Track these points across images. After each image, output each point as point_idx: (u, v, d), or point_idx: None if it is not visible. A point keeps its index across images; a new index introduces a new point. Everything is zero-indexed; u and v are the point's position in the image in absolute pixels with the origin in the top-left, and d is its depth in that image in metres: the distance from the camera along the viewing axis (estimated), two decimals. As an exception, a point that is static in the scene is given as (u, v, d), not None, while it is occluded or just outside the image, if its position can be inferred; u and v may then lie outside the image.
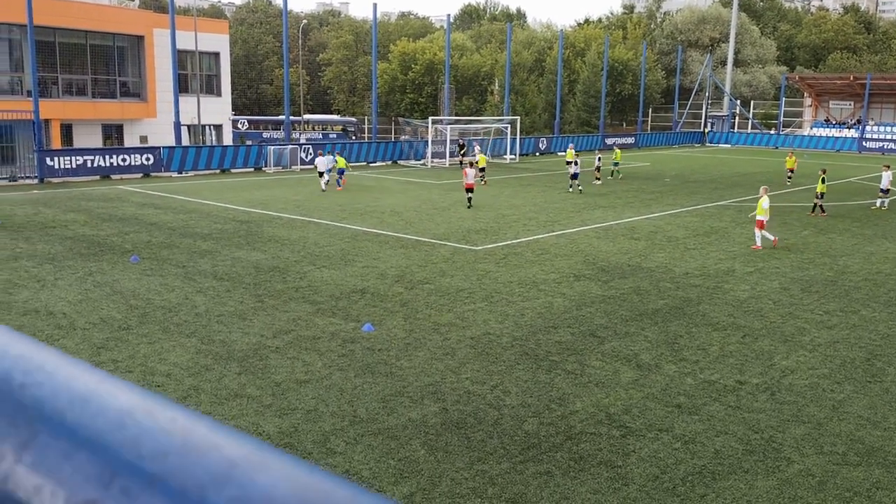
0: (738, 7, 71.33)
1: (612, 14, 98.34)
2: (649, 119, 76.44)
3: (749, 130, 70.19)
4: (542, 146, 52.71)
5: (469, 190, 25.27)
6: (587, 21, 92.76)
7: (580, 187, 30.32)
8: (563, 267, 16.54)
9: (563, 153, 52.67)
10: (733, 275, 16.12)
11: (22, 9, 31.14)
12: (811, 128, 67.01)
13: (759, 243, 19.06)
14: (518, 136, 47.57)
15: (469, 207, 24.84)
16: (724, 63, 74.02)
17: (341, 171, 30.32)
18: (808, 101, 68.91)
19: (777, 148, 63.14)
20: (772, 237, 19.24)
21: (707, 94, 68.74)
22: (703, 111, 69.16)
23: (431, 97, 73.11)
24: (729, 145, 66.69)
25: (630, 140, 60.62)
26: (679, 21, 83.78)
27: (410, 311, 12.89)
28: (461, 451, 7.85)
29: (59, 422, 0.45)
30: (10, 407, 0.46)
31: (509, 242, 19.24)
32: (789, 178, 35.18)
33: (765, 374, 10.33)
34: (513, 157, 46.80)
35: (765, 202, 19.32)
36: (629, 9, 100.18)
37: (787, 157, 36.33)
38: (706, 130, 68.60)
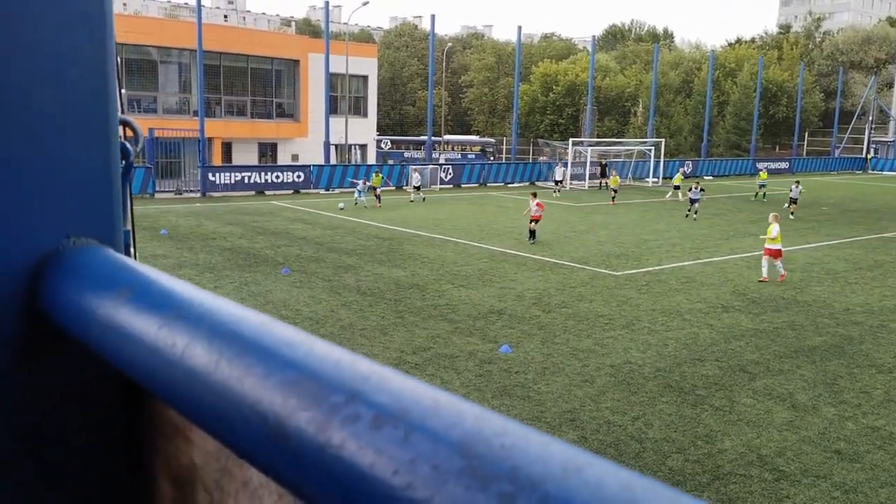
0: (910, 24, 66.26)
1: (766, 34, 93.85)
2: (805, 143, 72.25)
3: (918, 157, 64.84)
4: (688, 170, 50.97)
5: (533, 221, 22.06)
6: (739, 41, 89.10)
7: (695, 215, 28.37)
8: (709, 297, 15.83)
9: (710, 178, 50.83)
10: (902, 313, 14.83)
11: (192, 35, 33.75)
12: None
13: (766, 275, 17.40)
14: (662, 159, 46.25)
15: (532, 242, 21.68)
16: (890, 85, 68.98)
17: (374, 189, 30.43)
18: None
19: (952, 176, 57.88)
20: (766, 274, 17.42)
21: (871, 118, 64.15)
22: (866, 136, 64.57)
23: (572, 118, 72.56)
24: (894, 173, 61.82)
25: (784, 165, 57.49)
26: (840, 41, 78.94)
27: (548, 334, 12.73)
28: (601, 482, 7.61)
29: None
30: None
31: (652, 269, 18.65)
32: None
33: (941, 424, 9.39)
34: (655, 180, 45.52)
35: (774, 228, 17.55)
36: (785, 28, 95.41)
37: None
38: (869, 156, 63.98)
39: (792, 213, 29.44)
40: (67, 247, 0.90)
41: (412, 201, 32.21)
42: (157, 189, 32.37)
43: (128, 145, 1.04)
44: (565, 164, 41.66)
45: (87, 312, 0.76)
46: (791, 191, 30.77)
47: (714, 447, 8.53)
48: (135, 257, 1.13)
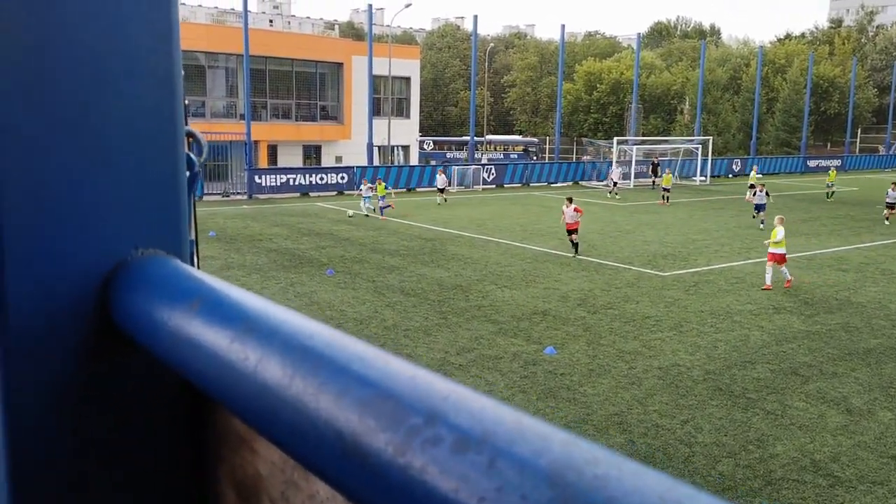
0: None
1: (816, 29, 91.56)
2: (858, 140, 70.35)
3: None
4: (736, 168, 50.06)
5: (571, 231, 20.05)
6: (788, 36, 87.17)
7: (762, 224, 24.80)
8: (760, 298, 15.51)
9: (759, 175, 49.72)
10: (963, 315, 14.34)
11: (239, 40, 34.29)
12: None
13: (769, 282, 16.18)
14: (709, 157, 45.49)
15: (575, 255, 19.58)
16: (948, 78, 66.62)
17: (382, 198, 27.37)
18: None
19: None
20: (770, 282, 16.21)
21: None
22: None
23: (616, 117, 71.85)
24: (953, 169, 59.79)
25: (836, 162, 56.05)
26: (894, 35, 76.64)
27: (594, 336, 12.61)
28: (649, 486, 7.50)
29: None
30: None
31: (700, 269, 18.34)
32: None
33: None
34: (703, 178, 44.79)
35: (779, 232, 16.44)
36: (836, 23, 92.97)
37: None
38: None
39: (888, 219, 26.77)
40: (136, 257, 0.91)
41: (439, 204, 31.48)
42: (206, 192, 32.95)
43: (192, 156, 1.06)
44: (618, 164, 40.58)
45: (157, 322, 0.77)
46: (888, 195, 27.54)
47: (766, 452, 8.35)
48: (198, 266, 1.14)
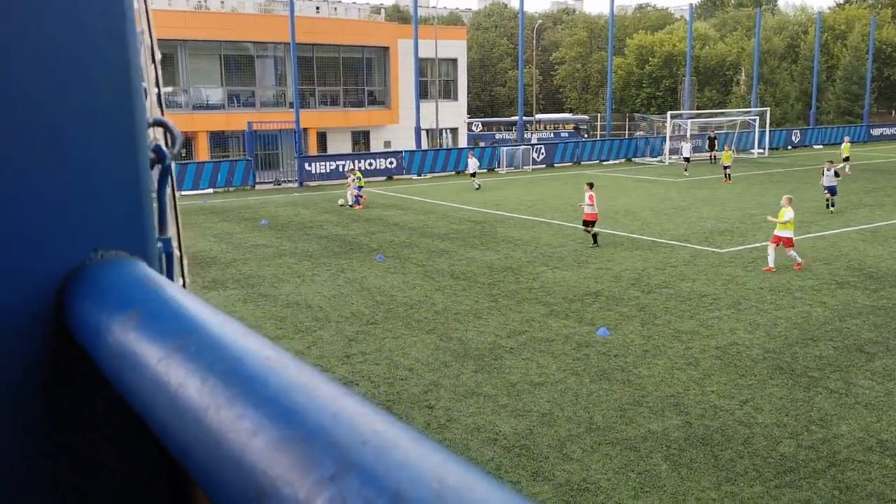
0: None
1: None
2: (925, 105, 67.38)
3: None
4: (796, 139, 48.48)
5: (588, 223, 18.17)
6: (848, 1, 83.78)
7: (833, 207, 22.44)
8: (822, 272, 14.98)
9: (820, 146, 48.17)
10: None
11: (286, 29, 34.53)
12: None
13: (772, 264, 15.18)
14: (767, 129, 44.12)
15: (594, 245, 17.88)
16: None
17: (358, 188, 26.08)
18: None
19: None
20: (772, 263, 15.17)
21: None
22: None
23: (670, 90, 70.26)
24: None
25: (901, 130, 53.84)
26: (965, -9, 72.89)
27: (648, 316, 12.36)
28: (707, 469, 7.32)
29: None
30: None
31: (758, 245, 17.80)
32: None
33: None
34: (761, 151, 43.50)
35: (787, 213, 15.20)
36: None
37: None
38: None
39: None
40: (94, 260, 0.84)
41: (476, 189, 29.89)
42: (258, 181, 33.41)
43: (164, 148, 0.98)
44: (682, 139, 39.04)
45: (101, 334, 0.70)
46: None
47: (829, 432, 8.06)
48: (181, 263, 1.07)
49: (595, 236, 18.13)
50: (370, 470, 0.41)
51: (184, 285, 1.35)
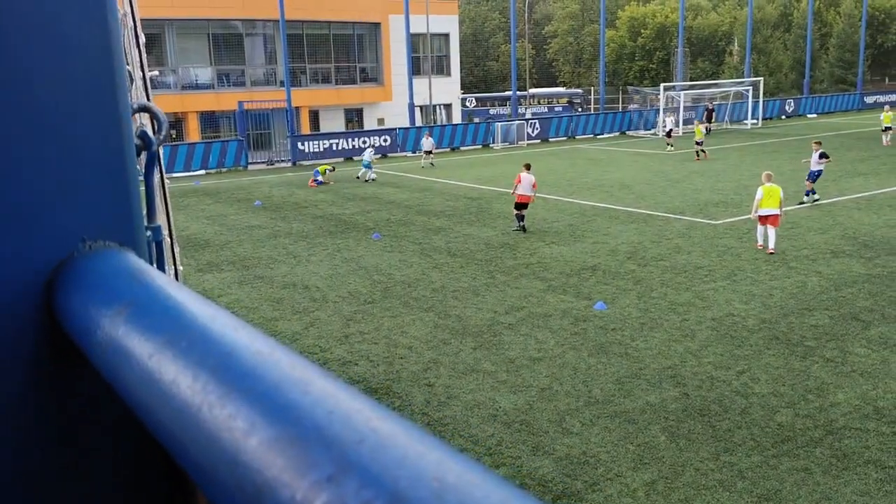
0: None
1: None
2: (919, 72, 67.21)
3: None
4: (789, 108, 48.33)
5: (520, 206, 16.93)
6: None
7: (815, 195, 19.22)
8: (817, 242, 15.01)
9: (814, 116, 48.02)
10: None
11: (274, 5, 34.13)
12: None
13: (761, 241, 14.53)
14: (761, 99, 43.97)
15: (520, 230, 16.94)
16: None
17: (317, 172, 26.54)
18: None
19: None
20: (761, 241, 14.54)
21: None
22: None
23: (663, 62, 69.92)
24: None
25: (895, 98, 53.70)
26: (958, -45, 72.32)
27: (644, 289, 12.38)
28: (705, 440, 7.37)
29: None
30: None
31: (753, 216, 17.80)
32: None
33: None
34: (755, 121, 43.39)
35: (758, 192, 14.56)
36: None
37: None
38: None
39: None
40: (83, 252, 0.82)
41: (423, 167, 29.84)
42: (250, 161, 33.22)
43: (150, 134, 0.96)
44: (671, 112, 38.81)
45: (92, 328, 0.68)
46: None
47: (826, 401, 8.11)
48: (173, 250, 1.05)
49: (521, 219, 16.97)
50: (368, 470, 0.41)
51: (175, 273, 1.33)
